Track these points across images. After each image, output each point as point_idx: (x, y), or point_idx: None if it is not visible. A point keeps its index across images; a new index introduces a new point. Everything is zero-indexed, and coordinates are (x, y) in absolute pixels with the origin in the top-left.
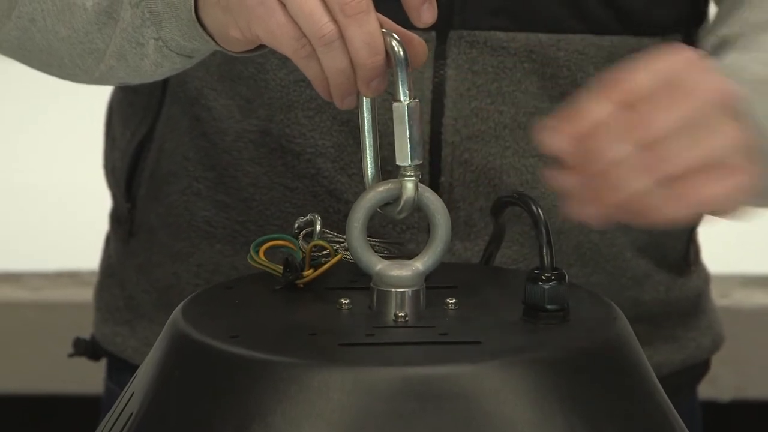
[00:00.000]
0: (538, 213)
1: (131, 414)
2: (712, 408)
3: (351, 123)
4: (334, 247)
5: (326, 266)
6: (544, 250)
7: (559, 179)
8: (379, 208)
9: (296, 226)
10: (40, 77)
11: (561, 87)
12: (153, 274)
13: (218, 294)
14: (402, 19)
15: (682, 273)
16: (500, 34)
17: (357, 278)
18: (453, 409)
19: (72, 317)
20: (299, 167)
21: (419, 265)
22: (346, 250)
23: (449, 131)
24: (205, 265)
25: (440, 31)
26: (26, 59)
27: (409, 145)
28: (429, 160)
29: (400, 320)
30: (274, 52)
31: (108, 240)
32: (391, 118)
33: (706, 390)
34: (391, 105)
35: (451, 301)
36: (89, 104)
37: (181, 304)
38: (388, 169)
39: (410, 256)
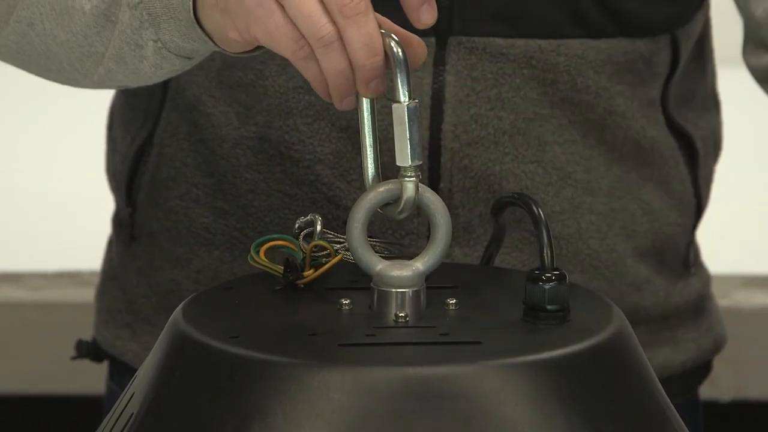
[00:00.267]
0: (539, 213)
1: (132, 414)
2: (712, 408)
3: (350, 130)
4: (335, 248)
5: (326, 266)
6: (545, 251)
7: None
8: (380, 208)
9: (296, 226)
10: (40, 78)
11: (561, 92)
12: (153, 278)
13: (218, 294)
14: (401, 20)
15: (682, 276)
16: (499, 41)
17: (357, 278)
18: (453, 410)
19: (72, 318)
20: (298, 174)
21: (420, 265)
22: (347, 250)
23: (448, 137)
24: (205, 271)
25: (439, 37)
26: (24, 64)
27: (409, 146)
28: (428, 166)
29: (400, 320)
30: (273, 58)
31: (110, 243)
32: (391, 125)
33: (706, 390)
34: (390, 111)
35: (451, 302)
36: (90, 105)
37: (182, 305)
38: (388, 175)
39: (410, 256)
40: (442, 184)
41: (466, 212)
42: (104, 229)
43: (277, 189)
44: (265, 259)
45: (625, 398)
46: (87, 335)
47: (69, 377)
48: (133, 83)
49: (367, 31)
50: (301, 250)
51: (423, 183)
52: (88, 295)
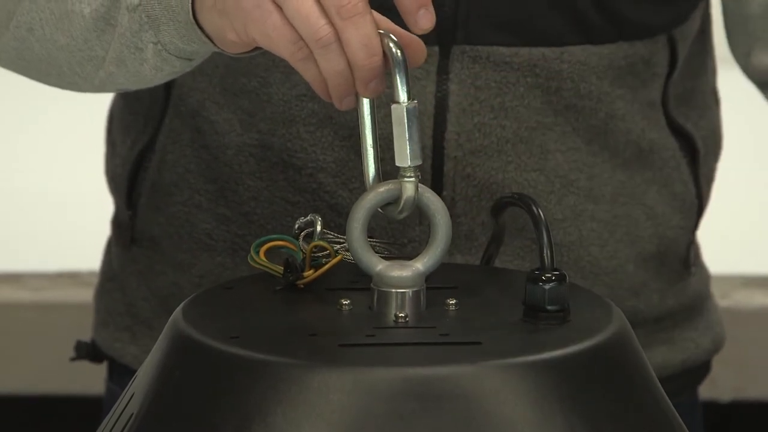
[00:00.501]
0: (539, 214)
1: (132, 415)
2: (712, 408)
3: (352, 138)
4: (335, 248)
5: (327, 267)
6: (545, 251)
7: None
8: (380, 208)
9: (297, 226)
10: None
11: (565, 99)
12: (154, 282)
13: (218, 295)
14: (400, 26)
15: (681, 277)
16: (503, 49)
17: (357, 279)
18: (453, 410)
19: (72, 318)
20: (300, 181)
21: (420, 265)
22: (347, 250)
23: (452, 146)
24: (207, 276)
25: (443, 46)
26: (25, 70)
27: (408, 146)
28: (431, 175)
29: (400, 321)
30: (277, 66)
31: (109, 244)
32: (392, 134)
33: (706, 390)
34: (390, 120)
35: (451, 302)
36: (90, 106)
37: (182, 305)
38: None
39: (411, 256)
40: (444, 193)
41: (468, 220)
42: (104, 229)
43: (279, 196)
44: (265, 260)
45: (626, 398)
46: (87, 336)
47: (69, 377)
48: (134, 86)
49: (365, 32)
50: (301, 250)
51: None
52: (88, 295)
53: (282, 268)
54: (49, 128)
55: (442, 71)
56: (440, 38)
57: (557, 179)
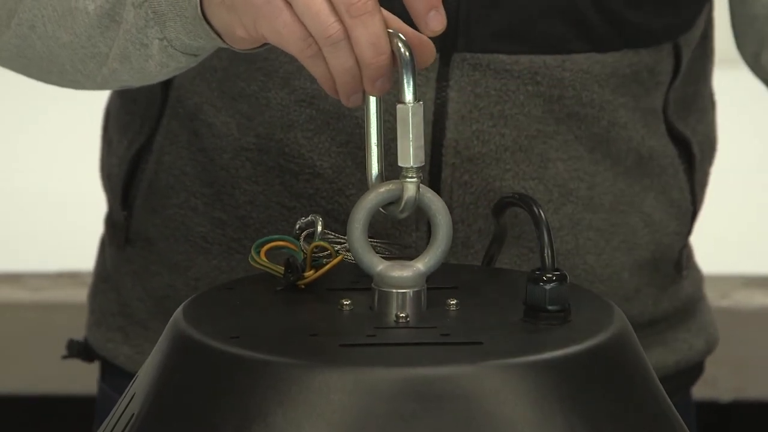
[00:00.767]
0: (539, 214)
1: (132, 415)
2: (712, 408)
3: (350, 144)
4: (335, 248)
5: (327, 267)
6: (545, 251)
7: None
8: (381, 208)
9: (297, 227)
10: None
11: (567, 108)
12: (149, 282)
13: (219, 295)
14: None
15: (674, 281)
16: (504, 57)
17: (358, 279)
18: (454, 410)
19: (72, 318)
20: (297, 187)
21: (420, 265)
22: (348, 250)
23: (450, 153)
24: (203, 279)
25: (444, 53)
26: (25, 68)
27: (411, 147)
28: (429, 181)
29: (401, 321)
30: (277, 70)
31: (103, 243)
32: (395, 139)
33: (706, 390)
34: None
35: (452, 302)
36: (90, 106)
37: (182, 305)
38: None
39: (411, 256)
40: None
41: (465, 228)
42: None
43: (275, 201)
44: (266, 260)
45: (626, 398)
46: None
47: (69, 377)
48: (138, 83)
49: (374, 31)
50: (302, 250)
51: None
52: None
53: (283, 268)
54: (49, 128)
55: (442, 78)
56: (441, 45)
57: (556, 188)
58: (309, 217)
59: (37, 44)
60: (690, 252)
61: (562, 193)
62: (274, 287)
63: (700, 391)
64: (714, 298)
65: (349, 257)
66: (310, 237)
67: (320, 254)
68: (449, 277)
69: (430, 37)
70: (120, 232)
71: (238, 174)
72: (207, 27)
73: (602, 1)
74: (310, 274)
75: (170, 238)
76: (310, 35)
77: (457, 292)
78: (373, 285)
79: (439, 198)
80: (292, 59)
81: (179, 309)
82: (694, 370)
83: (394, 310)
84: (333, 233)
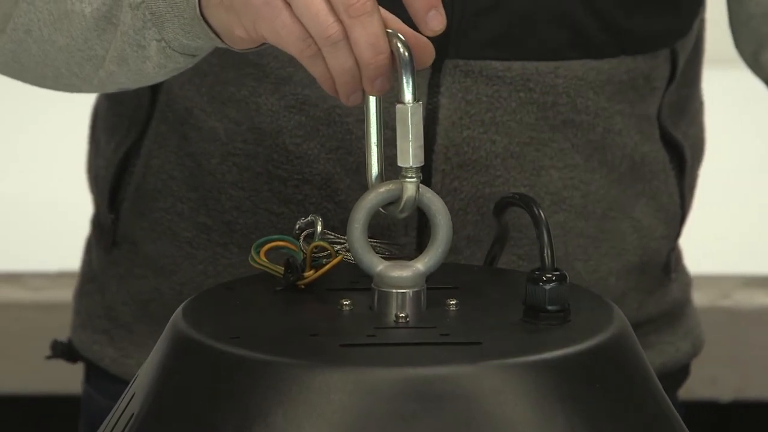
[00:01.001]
0: (539, 214)
1: (132, 415)
2: (712, 408)
3: (340, 150)
4: (335, 248)
5: (327, 267)
6: (545, 251)
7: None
8: (381, 208)
9: (297, 227)
10: None
11: (562, 115)
12: (134, 286)
13: (219, 295)
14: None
15: (662, 284)
16: (496, 64)
17: (358, 279)
18: (454, 410)
19: (72, 318)
20: (285, 193)
21: (420, 265)
22: (347, 251)
23: (440, 159)
24: (188, 284)
25: (435, 59)
26: (19, 73)
27: (410, 147)
28: None
29: (401, 321)
30: (267, 76)
31: (89, 244)
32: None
33: (706, 390)
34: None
35: (452, 302)
36: (90, 106)
37: (182, 305)
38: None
39: (411, 256)
40: None
41: (453, 234)
42: None
43: (263, 207)
44: (266, 260)
45: (626, 398)
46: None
47: (69, 377)
48: (135, 84)
49: (372, 31)
50: (302, 250)
51: None
52: None
53: (282, 268)
54: (49, 128)
55: (433, 84)
56: None
57: (548, 196)
58: (309, 218)
59: (33, 48)
60: (679, 255)
61: (555, 201)
62: (273, 287)
63: (700, 391)
64: (714, 298)
65: (348, 257)
66: (310, 237)
67: (320, 254)
68: (449, 277)
69: (429, 38)
70: (107, 235)
71: (224, 179)
72: (206, 27)
73: (600, 9)
74: (309, 275)
75: (156, 241)
76: (310, 35)
77: (456, 292)
78: (372, 285)
79: (439, 198)
80: (282, 65)
81: (179, 309)
82: (680, 373)
83: (393, 310)
84: (333, 233)
